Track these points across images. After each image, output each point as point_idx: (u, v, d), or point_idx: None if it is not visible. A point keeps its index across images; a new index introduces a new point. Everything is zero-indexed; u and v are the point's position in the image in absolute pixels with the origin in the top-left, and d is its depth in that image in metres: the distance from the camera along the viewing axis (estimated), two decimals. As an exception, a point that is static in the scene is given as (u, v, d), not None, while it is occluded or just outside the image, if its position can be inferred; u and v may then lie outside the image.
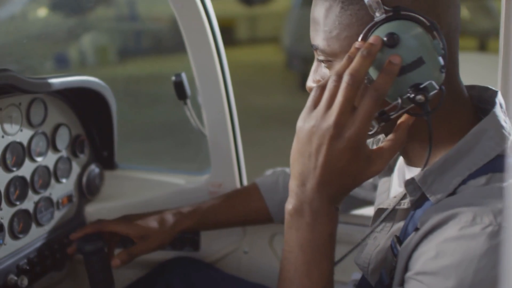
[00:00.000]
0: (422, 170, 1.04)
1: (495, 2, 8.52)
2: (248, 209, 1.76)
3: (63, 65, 6.73)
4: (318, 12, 1.05)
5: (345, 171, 0.96)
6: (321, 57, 1.07)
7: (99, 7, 7.93)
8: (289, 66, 10.03)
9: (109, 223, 1.61)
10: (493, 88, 1.11)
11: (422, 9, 0.97)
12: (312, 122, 0.96)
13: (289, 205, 1.01)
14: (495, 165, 1.00)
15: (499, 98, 1.08)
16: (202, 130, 1.87)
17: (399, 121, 1.00)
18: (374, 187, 1.59)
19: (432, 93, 0.96)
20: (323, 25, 1.04)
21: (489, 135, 1.02)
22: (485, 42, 9.07)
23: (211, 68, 1.76)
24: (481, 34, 8.83)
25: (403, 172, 1.19)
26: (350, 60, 0.96)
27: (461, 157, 1.01)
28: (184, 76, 1.79)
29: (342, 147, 0.94)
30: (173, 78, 1.79)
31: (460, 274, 0.89)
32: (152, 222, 1.62)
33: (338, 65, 1.03)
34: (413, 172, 1.12)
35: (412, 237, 0.99)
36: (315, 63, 1.13)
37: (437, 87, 0.96)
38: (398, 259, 1.03)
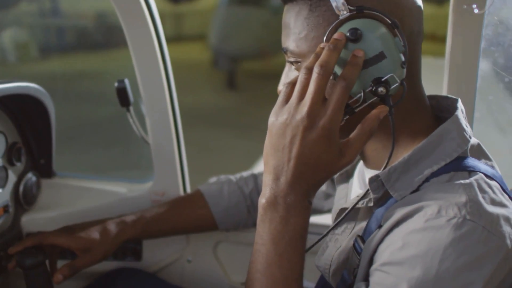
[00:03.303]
0: (383, 169, 1.07)
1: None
2: (193, 216, 1.73)
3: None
4: (289, 17, 1.09)
5: (319, 163, 0.98)
6: (291, 59, 1.10)
7: (21, 2, 7.67)
8: (216, 65, 10.02)
9: (49, 236, 1.54)
10: (453, 97, 1.16)
11: (385, 10, 1.01)
12: (285, 116, 0.99)
13: (263, 198, 1.01)
14: (456, 165, 1.04)
15: (460, 105, 1.13)
16: (145, 138, 1.83)
17: (371, 112, 1.01)
18: (326, 195, 1.61)
19: (393, 86, 1.00)
20: (293, 28, 1.07)
21: (451, 136, 1.07)
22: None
23: (155, 72, 1.73)
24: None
25: (363, 175, 1.23)
26: (317, 57, 0.99)
27: (425, 156, 1.06)
28: (127, 82, 1.74)
29: (316, 137, 0.96)
30: (116, 84, 1.74)
31: (426, 264, 0.91)
32: (95, 233, 1.57)
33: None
34: (373, 174, 1.14)
35: (376, 233, 1.02)
36: (286, 68, 1.17)
37: (398, 80, 1.00)
38: (361, 256, 1.05)
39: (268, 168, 1.01)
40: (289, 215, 1.00)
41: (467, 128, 1.10)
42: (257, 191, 1.77)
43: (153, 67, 1.71)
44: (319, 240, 1.22)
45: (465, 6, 1.39)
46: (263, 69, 10.79)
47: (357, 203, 1.15)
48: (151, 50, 1.69)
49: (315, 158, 0.97)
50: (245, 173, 1.81)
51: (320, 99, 0.97)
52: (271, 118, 1.01)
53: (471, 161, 1.06)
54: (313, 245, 1.21)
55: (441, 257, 0.91)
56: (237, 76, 9.81)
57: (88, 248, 1.54)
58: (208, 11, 10.81)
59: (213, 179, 1.81)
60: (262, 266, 1.01)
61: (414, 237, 0.94)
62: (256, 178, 1.78)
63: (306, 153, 0.97)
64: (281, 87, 1.15)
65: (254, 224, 1.81)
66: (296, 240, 1.01)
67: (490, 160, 1.12)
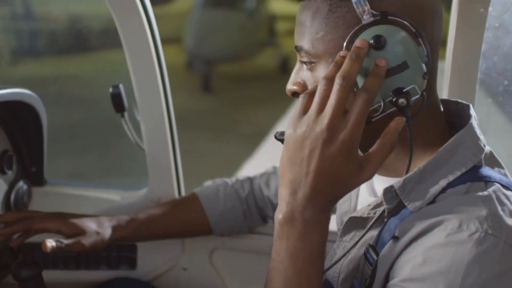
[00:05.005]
0: (400, 178, 1.05)
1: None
2: (187, 220, 1.70)
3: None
4: (305, 14, 1.05)
5: (338, 177, 0.94)
6: (305, 59, 1.06)
7: (-7, 6, 7.56)
8: (190, 68, 9.96)
9: (40, 220, 1.50)
10: (464, 102, 1.14)
11: (409, 17, 0.98)
12: (303, 128, 0.94)
13: (279, 214, 0.98)
14: (472, 175, 1.02)
15: (473, 112, 1.11)
16: (140, 144, 1.80)
17: (389, 125, 0.98)
18: None
19: (414, 98, 0.97)
20: (309, 27, 1.04)
21: (466, 145, 1.05)
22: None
23: (150, 78, 1.70)
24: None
25: (372, 181, 1.20)
26: (338, 66, 0.96)
27: (440, 166, 1.03)
28: (121, 87, 1.71)
29: (335, 151, 0.92)
30: (111, 89, 1.71)
31: (449, 280, 0.90)
32: (88, 222, 1.54)
33: (320, 67, 1.04)
34: (383, 181, 1.13)
35: (392, 245, 1.00)
36: (296, 66, 1.12)
37: (419, 92, 0.97)
38: (377, 267, 1.03)
39: (284, 182, 0.98)
40: (307, 231, 0.96)
41: (481, 137, 1.08)
42: (253, 195, 1.74)
43: (149, 72, 1.68)
44: (334, 263, 1.19)
45: (482, 10, 1.39)
46: (239, 72, 10.78)
47: (368, 214, 1.13)
48: (147, 55, 1.66)
49: (334, 172, 0.94)
50: (240, 176, 1.78)
51: (341, 112, 0.93)
52: (288, 130, 0.97)
53: (487, 171, 1.04)
54: (330, 267, 1.18)
55: (464, 273, 0.90)
56: (212, 79, 9.77)
57: (79, 234, 1.51)
58: (182, 14, 10.75)
59: (208, 182, 1.78)
60: (280, 284, 0.97)
61: (436, 252, 0.92)
62: (252, 182, 1.76)
63: (325, 167, 0.93)
64: (290, 86, 1.12)
65: (249, 230, 1.79)
66: (315, 256, 0.97)
67: (502, 168, 1.10)
